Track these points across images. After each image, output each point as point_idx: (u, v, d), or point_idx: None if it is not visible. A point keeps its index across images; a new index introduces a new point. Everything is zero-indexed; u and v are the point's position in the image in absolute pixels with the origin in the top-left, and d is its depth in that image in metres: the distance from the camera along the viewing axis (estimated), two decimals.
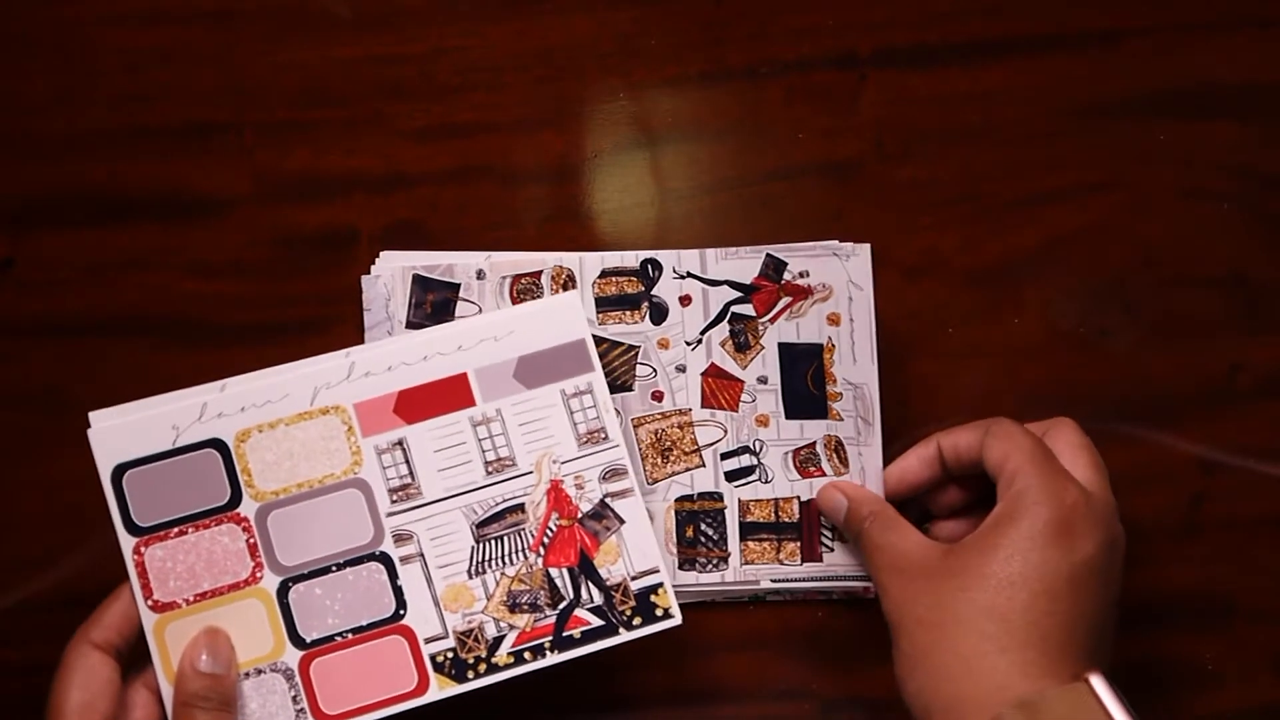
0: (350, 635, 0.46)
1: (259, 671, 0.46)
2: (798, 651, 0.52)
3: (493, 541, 0.47)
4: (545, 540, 0.47)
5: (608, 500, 0.47)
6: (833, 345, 0.50)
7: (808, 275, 0.50)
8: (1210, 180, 0.53)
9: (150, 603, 0.45)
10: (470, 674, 0.46)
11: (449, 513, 0.47)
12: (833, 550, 0.50)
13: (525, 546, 0.47)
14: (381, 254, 0.51)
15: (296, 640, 0.46)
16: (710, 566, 0.50)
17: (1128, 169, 0.53)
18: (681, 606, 0.47)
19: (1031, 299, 0.53)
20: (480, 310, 0.50)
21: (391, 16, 0.52)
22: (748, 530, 0.50)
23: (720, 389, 0.50)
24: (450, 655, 0.46)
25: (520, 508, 0.47)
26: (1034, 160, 0.53)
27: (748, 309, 0.50)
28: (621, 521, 0.47)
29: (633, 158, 0.53)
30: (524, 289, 0.50)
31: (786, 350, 0.50)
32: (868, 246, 0.50)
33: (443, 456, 0.47)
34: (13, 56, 0.52)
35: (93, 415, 0.46)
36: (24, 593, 0.52)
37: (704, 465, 0.50)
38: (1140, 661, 0.52)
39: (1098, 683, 0.39)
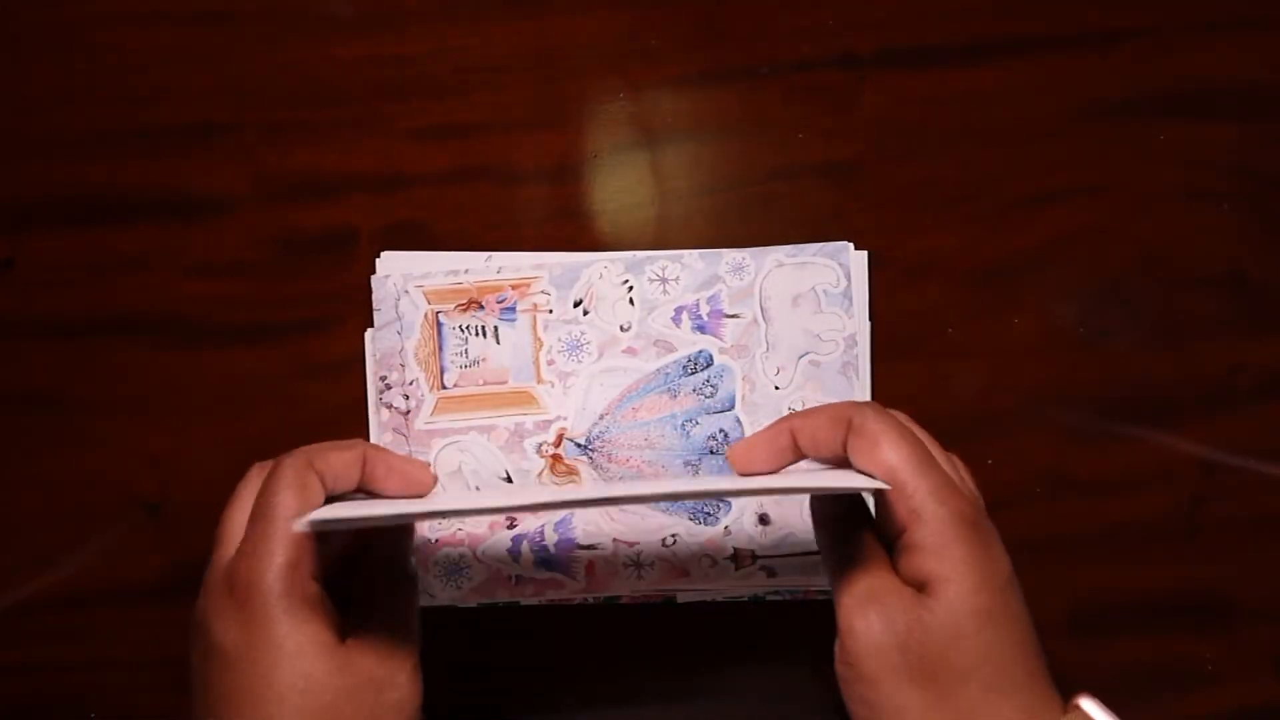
0: None
1: None
2: (797, 652, 0.52)
3: None
4: None
5: None
6: None
7: None
8: (1210, 180, 0.53)
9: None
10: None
11: None
12: None
13: None
14: (382, 254, 0.51)
15: None
16: None
17: (1128, 169, 0.53)
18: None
19: (1031, 299, 0.53)
20: None
21: (391, 16, 0.52)
22: None
23: None
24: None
25: None
26: (1034, 160, 0.53)
27: None
28: None
29: (633, 158, 0.53)
30: None
31: None
32: None
33: None
34: (13, 56, 0.52)
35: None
36: (24, 593, 0.52)
37: None
38: (1140, 661, 0.52)
39: (1091, 706, 0.38)
